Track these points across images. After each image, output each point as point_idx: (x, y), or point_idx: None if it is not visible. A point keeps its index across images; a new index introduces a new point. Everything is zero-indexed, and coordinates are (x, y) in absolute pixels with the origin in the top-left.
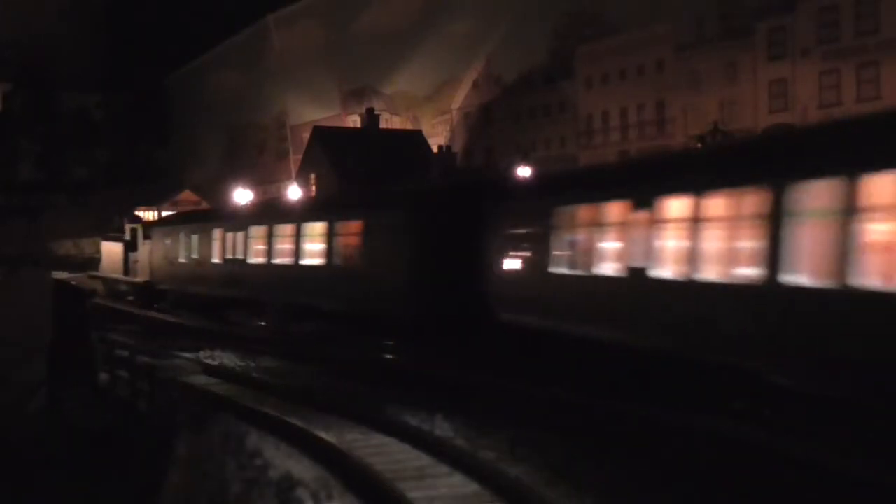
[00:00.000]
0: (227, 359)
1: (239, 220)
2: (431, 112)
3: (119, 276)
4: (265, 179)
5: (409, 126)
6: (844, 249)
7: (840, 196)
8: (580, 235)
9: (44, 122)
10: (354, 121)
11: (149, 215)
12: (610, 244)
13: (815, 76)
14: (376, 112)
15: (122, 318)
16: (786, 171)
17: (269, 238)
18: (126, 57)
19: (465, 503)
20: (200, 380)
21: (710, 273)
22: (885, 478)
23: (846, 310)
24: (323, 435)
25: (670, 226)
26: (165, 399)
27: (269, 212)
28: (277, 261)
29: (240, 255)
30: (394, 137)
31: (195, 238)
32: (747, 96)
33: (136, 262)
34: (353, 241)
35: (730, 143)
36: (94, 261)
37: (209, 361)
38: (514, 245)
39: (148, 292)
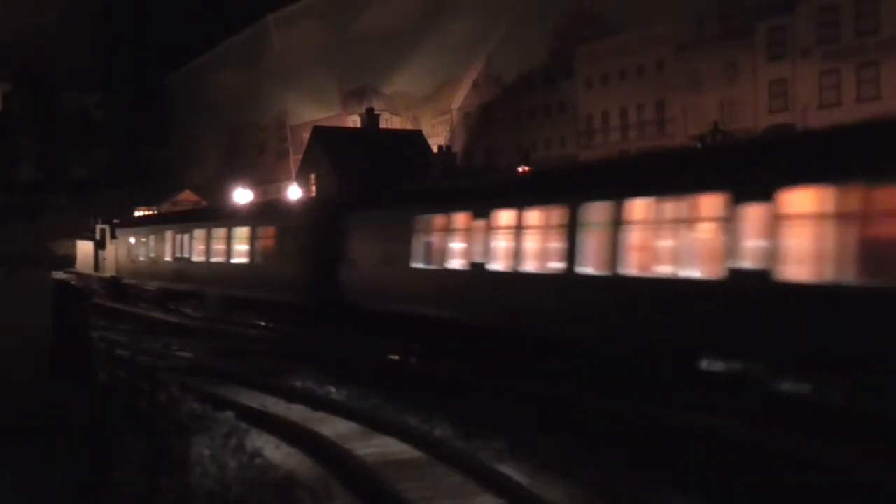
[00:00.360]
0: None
1: (186, 224)
2: (431, 112)
3: (91, 272)
4: (265, 179)
5: (409, 126)
6: (614, 249)
7: (611, 213)
8: (435, 238)
9: (44, 122)
10: (354, 121)
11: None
12: (458, 244)
13: (815, 76)
14: (376, 112)
15: (122, 318)
16: (578, 196)
17: (208, 239)
18: (126, 57)
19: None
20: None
21: (529, 266)
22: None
23: (617, 289)
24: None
25: (501, 231)
26: (166, 399)
27: (210, 216)
28: (214, 259)
29: (186, 255)
30: (394, 137)
31: (152, 238)
32: (747, 96)
33: (104, 259)
34: (270, 243)
35: (541, 173)
36: (71, 258)
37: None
38: (382, 245)
39: (115, 286)
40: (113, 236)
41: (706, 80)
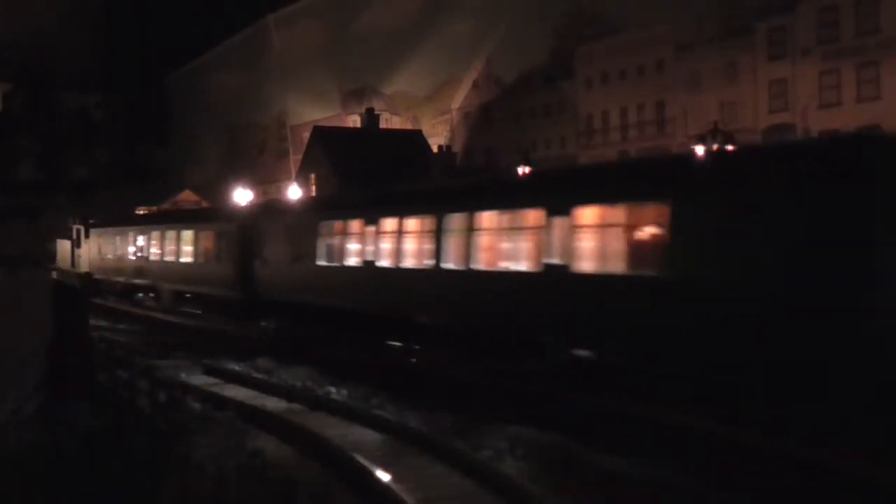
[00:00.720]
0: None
1: (145, 226)
2: (431, 112)
3: (68, 268)
4: (265, 179)
5: (409, 126)
6: (468, 249)
7: (466, 222)
8: (336, 240)
9: (44, 122)
10: (354, 121)
11: None
12: (353, 246)
13: (815, 76)
14: (376, 112)
15: (121, 318)
16: (444, 208)
17: (162, 241)
18: (126, 57)
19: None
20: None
21: (408, 263)
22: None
23: (471, 280)
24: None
25: (387, 235)
26: (165, 399)
27: (164, 219)
28: (166, 258)
29: (144, 254)
30: (394, 137)
31: (118, 238)
32: (747, 96)
33: (79, 256)
34: (209, 244)
35: (416, 190)
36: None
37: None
38: (293, 247)
39: (87, 281)
40: (86, 236)
41: (706, 80)
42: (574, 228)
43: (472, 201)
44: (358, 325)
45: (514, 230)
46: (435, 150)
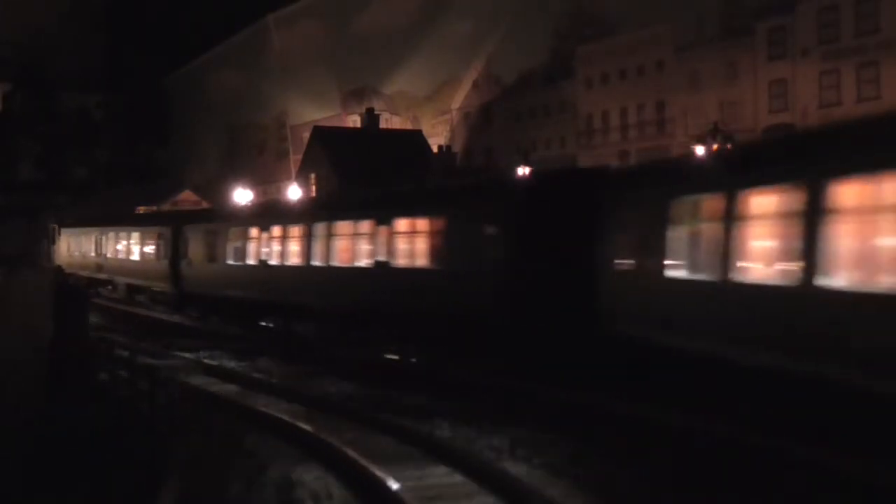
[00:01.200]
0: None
1: (105, 227)
2: (431, 112)
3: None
4: (265, 179)
5: (409, 126)
6: (328, 250)
7: (327, 229)
8: (239, 243)
9: (44, 122)
10: (354, 121)
11: None
12: (252, 248)
13: (815, 76)
14: (376, 112)
15: (120, 318)
16: (312, 218)
17: (117, 240)
18: (126, 57)
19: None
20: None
21: (290, 262)
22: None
23: (330, 274)
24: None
25: (275, 239)
26: (165, 399)
27: (118, 220)
28: (119, 256)
29: (102, 251)
30: (394, 137)
31: (83, 237)
32: (747, 96)
33: (54, 253)
34: (151, 243)
35: (294, 203)
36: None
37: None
38: (205, 247)
39: (59, 274)
40: (59, 234)
41: (706, 80)
42: (394, 234)
43: (332, 213)
44: (257, 312)
45: (357, 235)
46: (435, 150)
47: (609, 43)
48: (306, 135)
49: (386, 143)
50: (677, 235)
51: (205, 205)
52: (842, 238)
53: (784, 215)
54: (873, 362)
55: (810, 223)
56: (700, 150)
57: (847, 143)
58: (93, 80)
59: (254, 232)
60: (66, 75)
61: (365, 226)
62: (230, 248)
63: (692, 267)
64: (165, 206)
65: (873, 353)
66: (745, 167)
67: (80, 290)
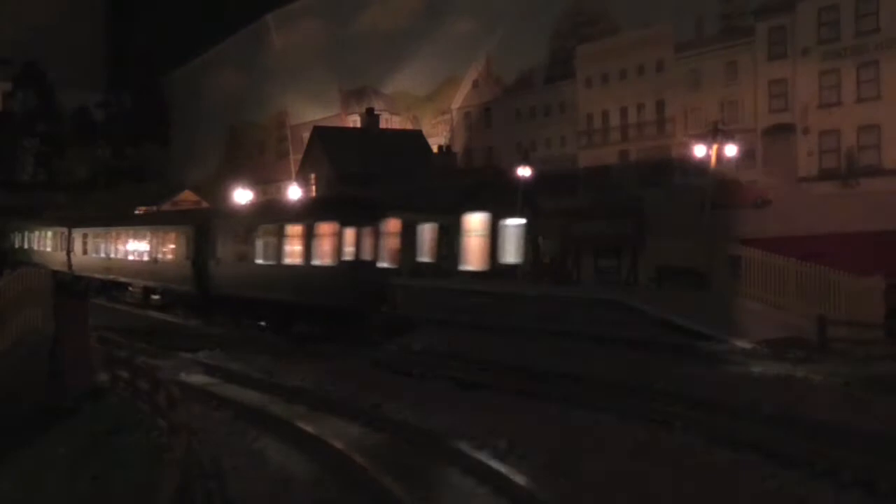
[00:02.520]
0: None
1: (115, 226)
2: (431, 112)
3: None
4: (265, 179)
5: (409, 126)
6: (279, 248)
7: (277, 230)
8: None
9: (44, 122)
10: (354, 121)
11: None
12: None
13: (815, 76)
14: (376, 112)
15: (120, 318)
16: (284, 220)
17: (130, 240)
18: (126, 57)
19: None
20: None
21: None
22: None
23: (275, 270)
24: None
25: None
26: (165, 399)
27: (129, 220)
28: (132, 257)
29: (44, 248)
30: (394, 137)
31: (35, 234)
32: (747, 96)
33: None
34: (171, 243)
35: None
36: None
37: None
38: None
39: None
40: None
41: (706, 80)
42: (284, 237)
43: (282, 217)
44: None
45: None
46: (435, 150)
47: (609, 43)
48: (306, 135)
49: (386, 143)
50: (261, 242)
51: (205, 205)
52: (311, 246)
53: (297, 235)
54: (300, 293)
55: (307, 239)
56: (700, 151)
57: (298, 211)
58: (93, 80)
59: (143, 233)
60: (66, 75)
61: (296, 228)
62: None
63: (265, 257)
64: (165, 206)
65: (298, 289)
66: (285, 212)
67: (80, 290)
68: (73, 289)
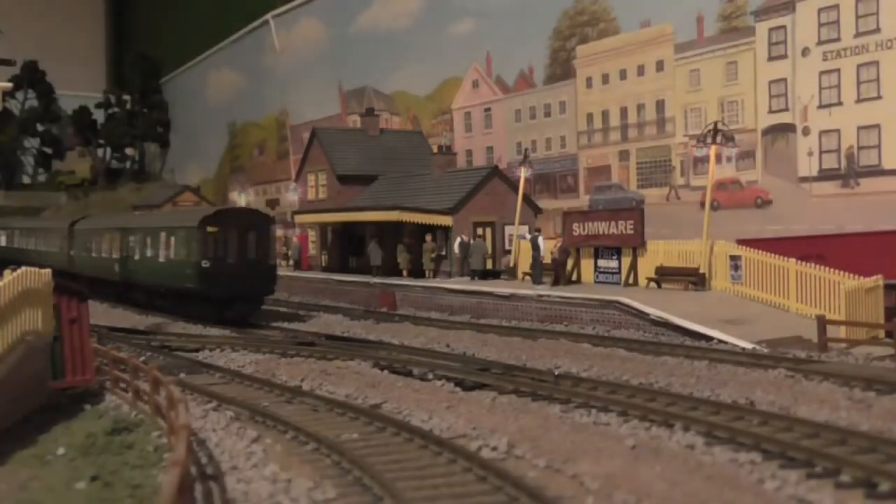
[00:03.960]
0: None
1: (14, 228)
2: (431, 112)
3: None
4: (265, 179)
5: (409, 126)
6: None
7: (152, 236)
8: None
9: (44, 122)
10: (354, 121)
11: None
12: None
13: (815, 76)
14: (376, 112)
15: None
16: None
17: (144, 239)
18: (126, 57)
19: None
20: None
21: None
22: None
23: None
24: None
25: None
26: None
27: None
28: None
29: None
30: (394, 137)
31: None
32: (747, 96)
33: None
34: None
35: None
36: None
37: None
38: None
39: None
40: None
41: (706, 80)
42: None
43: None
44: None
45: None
46: (435, 150)
47: (609, 43)
48: (306, 135)
49: (386, 143)
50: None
51: (204, 205)
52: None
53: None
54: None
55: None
56: (700, 151)
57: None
58: (93, 81)
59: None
60: (67, 75)
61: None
62: (77, 245)
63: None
64: (165, 206)
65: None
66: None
67: (80, 290)
68: (73, 289)
